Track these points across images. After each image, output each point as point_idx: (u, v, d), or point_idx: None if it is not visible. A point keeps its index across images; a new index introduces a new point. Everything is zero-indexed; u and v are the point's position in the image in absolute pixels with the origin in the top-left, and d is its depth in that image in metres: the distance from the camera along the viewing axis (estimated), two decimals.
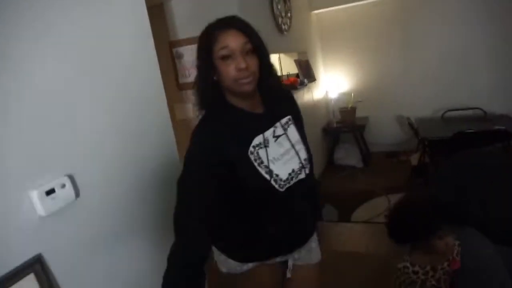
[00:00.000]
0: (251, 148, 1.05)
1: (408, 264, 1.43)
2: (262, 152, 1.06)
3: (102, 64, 1.26)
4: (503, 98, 4.05)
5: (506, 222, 1.46)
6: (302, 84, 3.66)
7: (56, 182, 1.03)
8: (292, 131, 1.16)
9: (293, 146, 1.13)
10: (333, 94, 4.70)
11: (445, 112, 3.98)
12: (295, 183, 1.11)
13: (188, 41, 2.66)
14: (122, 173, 1.31)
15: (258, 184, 1.06)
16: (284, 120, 1.15)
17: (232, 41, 0.99)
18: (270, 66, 1.10)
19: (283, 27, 3.30)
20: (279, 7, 3.22)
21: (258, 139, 1.07)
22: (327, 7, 4.46)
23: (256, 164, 1.05)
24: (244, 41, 0.99)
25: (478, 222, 1.46)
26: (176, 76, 2.77)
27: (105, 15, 1.29)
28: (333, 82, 4.80)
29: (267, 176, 1.06)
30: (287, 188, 1.09)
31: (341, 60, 4.75)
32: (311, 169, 1.21)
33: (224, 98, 1.08)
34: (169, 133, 1.64)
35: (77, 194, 1.12)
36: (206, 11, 2.55)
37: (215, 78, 1.03)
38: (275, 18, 3.16)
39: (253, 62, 1.01)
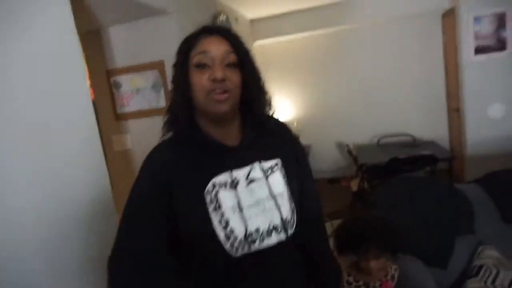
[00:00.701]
0: (209, 186, 0.82)
1: (345, 274, 1.45)
2: (224, 194, 0.82)
3: (22, 95, 1.15)
4: (430, 126, 4.44)
5: (438, 246, 1.53)
6: None
7: None
8: (277, 179, 0.88)
9: (273, 197, 0.85)
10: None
11: (380, 138, 4.24)
12: (261, 251, 0.82)
13: (126, 70, 2.58)
14: (43, 219, 1.18)
15: (202, 238, 0.81)
16: (268, 163, 0.89)
17: (212, 47, 0.82)
18: (259, 89, 0.89)
19: None
20: None
21: (223, 177, 0.83)
22: (268, 37, 4.63)
23: (210, 208, 0.80)
24: (226, 50, 0.82)
25: (413, 246, 1.52)
26: (114, 106, 2.65)
27: (29, 38, 1.20)
28: (276, 111, 4.91)
29: (219, 229, 0.79)
30: (244, 256, 0.80)
31: (284, 89, 4.91)
32: (303, 236, 0.92)
33: (193, 119, 0.87)
34: (102, 168, 1.53)
35: None
36: (145, 38, 2.51)
37: (189, 94, 0.83)
38: None
39: (234, 77, 0.82)
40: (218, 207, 0.80)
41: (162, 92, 2.56)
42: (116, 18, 2.38)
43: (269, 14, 4.41)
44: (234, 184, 0.83)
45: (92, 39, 2.60)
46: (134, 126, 2.64)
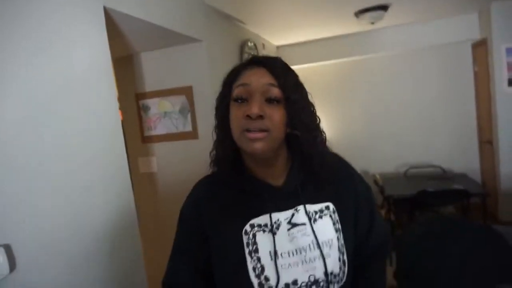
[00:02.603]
0: (247, 227, 0.76)
1: None
2: (263, 238, 0.75)
3: (58, 119, 1.18)
4: (460, 157, 4.26)
5: None
6: None
7: None
8: (326, 225, 0.79)
9: (318, 245, 0.76)
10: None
11: (408, 169, 4.10)
12: None
13: (155, 94, 2.63)
14: (67, 237, 1.17)
15: (235, 283, 0.75)
16: (315, 207, 0.80)
17: (254, 79, 0.74)
18: (307, 128, 0.78)
19: None
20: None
21: (262, 219, 0.77)
22: (294, 64, 4.65)
23: (246, 251, 0.74)
24: (268, 82, 0.74)
25: None
26: (141, 129, 2.69)
27: (67, 63, 1.24)
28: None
29: (253, 275, 0.73)
30: None
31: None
32: None
33: (238, 157, 0.82)
34: (127, 189, 1.53)
35: (12, 267, 0.97)
36: (175, 64, 2.57)
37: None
38: None
39: (274, 114, 0.73)
40: (255, 250, 0.74)
41: (189, 117, 2.58)
42: (148, 44, 2.45)
43: (296, 42, 4.46)
44: (274, 228, 0.76)
45: (124, 63, 2.68)
46: (160, 149, 2.66)
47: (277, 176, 0.82)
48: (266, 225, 0.76)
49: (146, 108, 2.67)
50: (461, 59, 4.23)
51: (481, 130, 4.15)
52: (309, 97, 0.82)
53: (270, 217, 0.77)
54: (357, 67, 4.63)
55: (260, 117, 0.72)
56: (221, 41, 2.85)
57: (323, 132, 0.84)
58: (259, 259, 0.74)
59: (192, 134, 2.58)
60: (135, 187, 2.31)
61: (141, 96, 2.68)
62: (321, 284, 0.75)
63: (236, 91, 0.76)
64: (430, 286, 1.26)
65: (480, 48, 3.90)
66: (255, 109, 0.71)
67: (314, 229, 0.78)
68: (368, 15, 3.32)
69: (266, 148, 0.74)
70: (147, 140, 2.68)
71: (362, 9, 3.27)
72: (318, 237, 0.77)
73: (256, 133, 0.72)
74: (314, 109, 0.82)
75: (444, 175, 3.78)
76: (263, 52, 3.86)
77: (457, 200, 2.94)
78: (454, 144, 4.36)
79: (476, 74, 4.15)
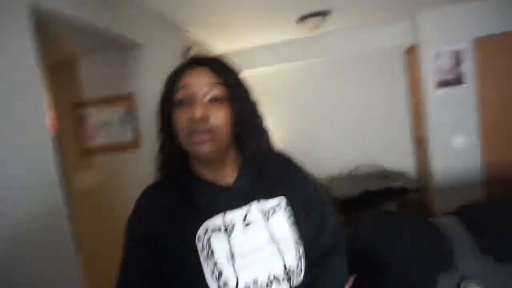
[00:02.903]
0: (200, 231, 0.73)
1: None
2: (218, 240, 0.72)
3: None
4: (398, 156, 4.54)
5: (421, 285, 1.50)
6: None
7: None
8: (280, 221, 0.78)
9: (274, 241, 0.75)
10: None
11: (352, 170, 4.28)
12: None
13: (94, 102, 2.47)
14: None
15: None
16: (269, 203, 0.79)
17: (194, 80, 0.73)
18: (253, 125, 0.80)
19: None
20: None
21: (216, 220, 0.74)
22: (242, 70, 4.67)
23: (202, 256, 0.71)
24: (210, 81, 0.73)
25: (394, 286, 1.48)
26: (79, 140, 2.50)
27: None
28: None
29: (211, 280, 0.70)
30: None
31: None
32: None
33: (186, 161, 0.81)
34: (59, 206, 1.40)
35: None
36: (116, 71, 2.43)
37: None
38: None
39: (218, 114, 0.72)
40: (210, 254, 0.71)
41: (131, 126, 2.45)
42: (87, 49, 2.30)
43: (241, 48, 4.48)
44: (228, 229, 0.74)
45: (61, 70, 2.48)
46: (100, 161, 2.49)
47: (227, 176, 0.81)
48: (220, 227, 0.74)
49: (85, 118, 2.49)
50: (396, 63, 4.53)
51: (415, 130, 4.46)
52: (252, 95, 0.82)
53: (224, 217, 0.75)
54: (301, 71, 4.75)
55: (205, 118, 0.71)
56: (164, 46, 2.75)
57: (267, 129, 0.84)
58: (215, 263, 0.71)
59: (135, 144, 2.46)
60: (73, 202, 2.14)
61: (79, 105, 2.49)
62: (281, 280, 0.73)
63: (178, 94, 0.74)
64: (382, 274, 1.30)
65: (411, 53, 4.21)
66: (198, 113, 0.70)
67: (269, 225, 0.76)
68: (309, 21, 3.42)
69: (213, 150, 0.73)
70: (86, 152, 2.50)
71: (303, 15, 3.37)
72: (274, 232, 0.76)
73: (202, 136, 0.71)
74: (257, 106, 0.82)
75: (385, 174, 4.00)
76: None
77: (398, 196, 3.12)
78: (392, 143, 4.63)
79: (408, 77, 4.46)
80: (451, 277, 1.53)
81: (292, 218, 0.80)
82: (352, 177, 4.14)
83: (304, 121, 4.84)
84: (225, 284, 0.69)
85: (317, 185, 0.92)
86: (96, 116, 2.45)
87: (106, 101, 2.44)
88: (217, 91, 0.73)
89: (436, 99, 3.84)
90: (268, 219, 0.77)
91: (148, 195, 0.82)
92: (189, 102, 0.73)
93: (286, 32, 3.93)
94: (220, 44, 4.17)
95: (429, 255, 1.55)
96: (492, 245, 1.54)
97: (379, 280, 1.51)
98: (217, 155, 0.76)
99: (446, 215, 1.86)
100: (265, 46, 4.42)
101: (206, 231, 0.73)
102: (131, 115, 2.42)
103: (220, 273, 0.70)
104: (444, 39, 3.75)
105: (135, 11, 2.30)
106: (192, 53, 3.23)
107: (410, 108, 4.55)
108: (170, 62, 2.88)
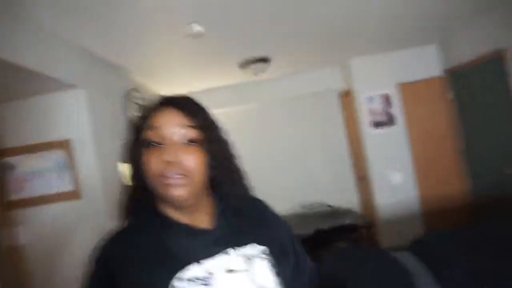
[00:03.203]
0: (175, 282, 0.64)
1: None
2: None
3: None
4: (342, 194, 4.68)
5: None
6: None
7: None
8: (263, 270, 0.72)
9: None
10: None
11: (299, 210, 4.30)
12: None
13: (22, 150, 2.21)
14: None
15: None
16: (249, 250, 0.73)
17: (164, 121, 0.69)
18: (228, 168, 0.76)
19: None
20: (134, 114, 3.10)
21: (192, 270, 0.66)
22: None
23: None
24: (182, 123, 0.69)
25: None
26: (2, 193, 2.19)
27: None
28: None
29: None
30: None
31: None
32: None
33: (155, 206, 0.74)
34: None
35: None
36: (48, 115, 2.23)
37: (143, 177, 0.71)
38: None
39: (192, 157, 0.68)
40: None
41: (69, 175, 2.22)
42: (10, 91, 2.08)
43: (182, 92, 4.45)
44: (206, 279, 0.66)
45: None
46: (30, 215, 2.19)
47: (202, 221, 0.75)
48: (196, 277, 0.66)
49: (10, 167, 2.20)
50: (332, 105, 4.82)
51: (356, 167, 4.68)
52: (225, 135, 0.79)
53: (200, 266, 0.67)
54: (244, 114, 4.82)
55: (177, 163, 0.67)
56: (104, 89, 2.62)
57: (242, 171, 0.82)
58: None
59: (74, 194, 2.22)
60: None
61: (2, 153, 2.21)
62: None
63: (147, 136, 0.70)
64: None
65: (346, 96, 4.52)
66: (170, 157, 0.67)
67: (253, 273, 0.70)
68: (251, 67, 3.53)
69: (187, 194, 0.69)
70: (12, 205, 2.18)
71: (245, 61, 3.47)
72: (258, 282, 0.70)
73: (175, 179, 0.67)
74: (231, 147, 0.80)
75: (332, 212, 4.07)
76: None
77: (349, 233, 3.16)
78: (335, 181, 4.79)
79: (345, 119, 4.75)
80: None
81: (275, 268, 0.75)
82: (302, 216, 4.15)
83: (248, 164, 4.80)
84: None
85: (288, 226, 0.89)
86: (24, 165, 2.19)
87: (37, 148, 2.20)
88: (190, 134, 0.70)
89: (373, 138, 4.10)
90: (250, 267, 0.71)
91: (114, 237, 0.73)
92: (160, 144, 0.69)
93: (230, 76, 4.00)
94: (162, 88, 4.11)
95: None
96: (448, 280, 1.58)
97: None
98: (192, 200, 0.71)
99: (400, 250, 1.89)
100: (209, 90, 4.44)
101: (181, 281, 0.65)
102: (69, 163, 2.19)
103: None
104: (374, 84, 4.10)
105: (70, 50, 2.17)
106: (136, 97, 3.12)
107: (349, 147, 4.80)
108: (112, 106, 2.74)
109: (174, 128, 0.69)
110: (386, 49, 3.94)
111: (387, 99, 4.10)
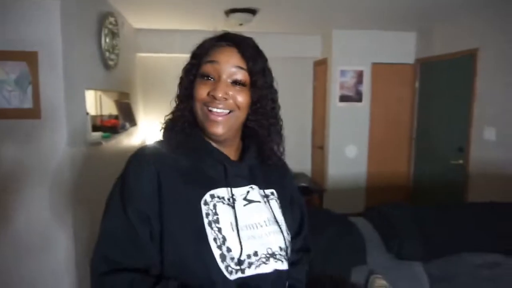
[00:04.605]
0: (207, 196, 0.72)
1: None
2: (223, 209, 0.72)
3: None
4: (297, 160, 4.85)
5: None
6: (123, 128, 3.31)
7: None
8: (275, 207, 0.81)
9: (275, 222, 0.78)
10: (151, 141, 4.49)
11: None
12: (256, 278, 0.71)
13: None
14: None
15: (193, 256, 0.67)
16: (266, 191, 0.82)
17: (223, 59, 0.73)
18: (269, 117, 0.80)
19: (109, 62, 2.95)
20: (107, 40, 2.88)
21: (222, 191, 0.74)
22: (152, 52, 4.38)
23: (206, 220, 0.70)
24: (236, 64, 0.73)
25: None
26: None
27: None
28: (152, 128, 4.60)
29: (213, 246, 0.68)
30: (238, 282, 0.69)
31: (162, 106, 4.65)
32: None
33: (196, 130, 0.78)
34: None
35: None
36: (14, 20, 1.99)
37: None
38: (102, 51, 2.80)
39: (238, 96, 0.73)
40: (215, 221, 0.71)
41: (29, 90, 2.04)
42: None
43: (157, 28, 4.19)
44: (231, 201, 0.74)
45: None
46: None
47: (231, 155, 0.81)
48: (224, 198, 0.74)
49: None
50: (305, 73, 4.85)
51: (315, 136, 4.84)
52: (274, 84, 0.82)
53: (231, 190, 0.76)
54: None
55: (224, 98, 0.73)
56: (79, 5, 2.38)
57: (281, 120, 0.85)
58: (220, 230, 0.70)
59: (33, 113, 2.06)
60: None
61: None
62: (277, 257, 0.75)
63: (204, 68, 0.75)
64: None
65: (320, 67, 4.56)
66: (219, 92, 0.71)
67: (269, 207, 0.79)
68: (237, 15, 3.40)
69: (226, 131, 0.74)
70: None
71: (232, 8, 3.33)
72: (274, 214, 0.79)
73: (219, 115, 0.73)
74: (276, 96, 0.83)
75: None
76: (122, 31, 3.45)
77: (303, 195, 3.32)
78: (294, 147, 4.92)
79: (315, 88, 4.82)
80: (362, 271, 1.69)
81: (282, 209, 0.84)
82: None
83: None
84: (229, 250, 0.69)
85: (295, 183, 0.98)
86: None
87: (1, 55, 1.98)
88: (242, 75, 0.74)
89: (338, 111, 4.23)
90: (266, 202, 0.80)
91: (153, 152, 0.76)
92: (212, 77, 0.74)
93: (212, 22, 3.82)
94: (137, 20, 3.83)
95: (347, 250, 1.69)
96: (394, 244, 1.76)
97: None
98: (226, 136, 0.77)
99: (355, 215, 2.05)
100: (186, 32, 4.22)
101: (213, 197, 0.73)
102: (31, 78, 2.00)
103: (224, 240, 0.69)
104: (351, 59, 4.17)
105: None
106: (110, 22, 2.88)
107: (313, 117, 4.92)
108: (85, 26, 2.51)
109: (231, 67, 0.73)
110: (370, 27, 3.99)
111: (359, 76, 4.21)
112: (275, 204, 0.82)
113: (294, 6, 3.28)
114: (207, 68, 0.74)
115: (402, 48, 4.19)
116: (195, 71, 0.76)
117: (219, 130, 0.73)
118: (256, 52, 0.78)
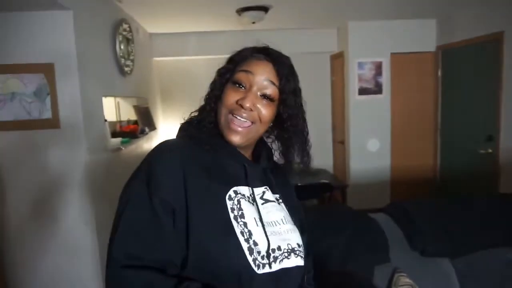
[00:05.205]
0: (231, 192, 0.74)
1: None
2: (246, 205, 0.75)
3: None
4: (318, 155, 4.75)
5: None
6: (143, 133, 3.36)
7: None
8: (286, 208, 0.85)
9: (290, 221, 0.82)
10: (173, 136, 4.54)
11: None
12: (281, 272, 0.73)
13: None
14: None
15: (220, 251, 0.68)
16: (275, 195, 0.85)
17: (259, 72, 0.76)
18: (302, 139, 0.87)
19: (125, 69, 3.00)
20: (122, 47, 2.92)
21: (243, 189, 0.77)
22: (167, 56, 4.41)
23: (231, 215, 0.71)
24: (269, 79, 0.77)
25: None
26: None
27: None
28: (172, 132, 4.65)
29: (242, 239, 0.69)
30: (269, 274, 0.71)
31: (180, 109, 4.69)
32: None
33: (217, 131, 0.81)
34: None
35: None
36: (32, 35, 2.05)
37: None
38: (117, 58, 2.84)
39: (264, 110, 0.77)
40: (241, 216, 0.72)
41: (47, 101, 2.10)
42: None
43: (171, 32, 4.22)
44: (252, 199, 0.77)
45: None
46: (2, 141, 2.08)
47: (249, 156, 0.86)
48: (245, 195, 0.77)
49: None
50: (323, 68, 4.76)
51: (335, 131, 4.75)
52: (303, 104, 0.86)
53: (252, 188, 0.79)
54: None
55: (250, 109, 0.75)
56: (92, 14, 2.43)
57: (309, 138, 0.90)
58: (245, 224, 0.72)
59: (52, 122, 2.11)
60: None
61: None
62: (297, 253, 0.78)
63: (238, 75, 0.78)
64: (323, 265, 1.32)
65: (337, 60, 4.46)
66: (247, 102, 0.74)
67: (280, 207, 0.83)
68: (249, 13, 3.37)
69: (244, 141, 0.78)
70: None
71: (244, 7, 3.30)
72: (288, 214, 0.83)
73: (240, 125, 0.76)
74: (303, 116, 0.87)
75: (306, 171, 4.15)
76: (138, 37, 3.50)
77: (323, 192, 3.26)
78: (313, 144, 4.85)
79: (333, 83, 4.73)
80: (385, 270, 1.63)
81: (289, 211, 0.86)
82: None
83: None
84: (255, 244, 0.71)
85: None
86: (1, 86, 2.04)
87: (17, 69, 2.04)
88: (272, 91, 0.77)
89: (357, 104, 4.13)
90: (280, 203, 0.84)
91: (179, 146, 0.78)
92: (244, 86, 0.77)
93: (224, 22, 3.82)
94: (151, 25, 3.87)
95: (368, 249, 1.63)
96: (419, 242, 1.68)
97: (318, 271, 1.54)
98: (243, 145, 0.80)
99: (377, 211, 1.98)
100: (199, 34, 4.24)
101: (236, 194, 0.75)
102: (48, 89, 2.06)
103: (250, 234, 0.71)
104: (368, 50, 4.06)
105: None
106: (124, 29, 2.92)
107: (332, 111, 4.83)
108: (99, 35, 2.56)
109: (264, 80, 0.76)
110: (387, 17, 3.87)
111: (378, 67, 4.10)
112: (284, 206, 0.85)
113: (307, 0, 3.22)
114: (241, 76, 0.77)
115: (422, 36, 4.03)
116: (228, 76, 0.79)
117: (237, 139, 0.76)
118: (290, 71, 0.80)
